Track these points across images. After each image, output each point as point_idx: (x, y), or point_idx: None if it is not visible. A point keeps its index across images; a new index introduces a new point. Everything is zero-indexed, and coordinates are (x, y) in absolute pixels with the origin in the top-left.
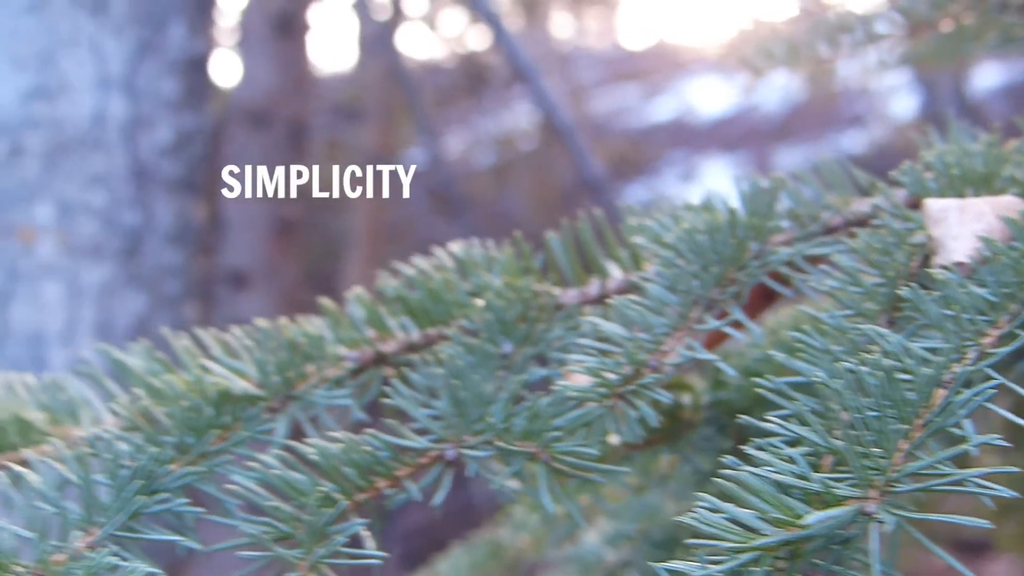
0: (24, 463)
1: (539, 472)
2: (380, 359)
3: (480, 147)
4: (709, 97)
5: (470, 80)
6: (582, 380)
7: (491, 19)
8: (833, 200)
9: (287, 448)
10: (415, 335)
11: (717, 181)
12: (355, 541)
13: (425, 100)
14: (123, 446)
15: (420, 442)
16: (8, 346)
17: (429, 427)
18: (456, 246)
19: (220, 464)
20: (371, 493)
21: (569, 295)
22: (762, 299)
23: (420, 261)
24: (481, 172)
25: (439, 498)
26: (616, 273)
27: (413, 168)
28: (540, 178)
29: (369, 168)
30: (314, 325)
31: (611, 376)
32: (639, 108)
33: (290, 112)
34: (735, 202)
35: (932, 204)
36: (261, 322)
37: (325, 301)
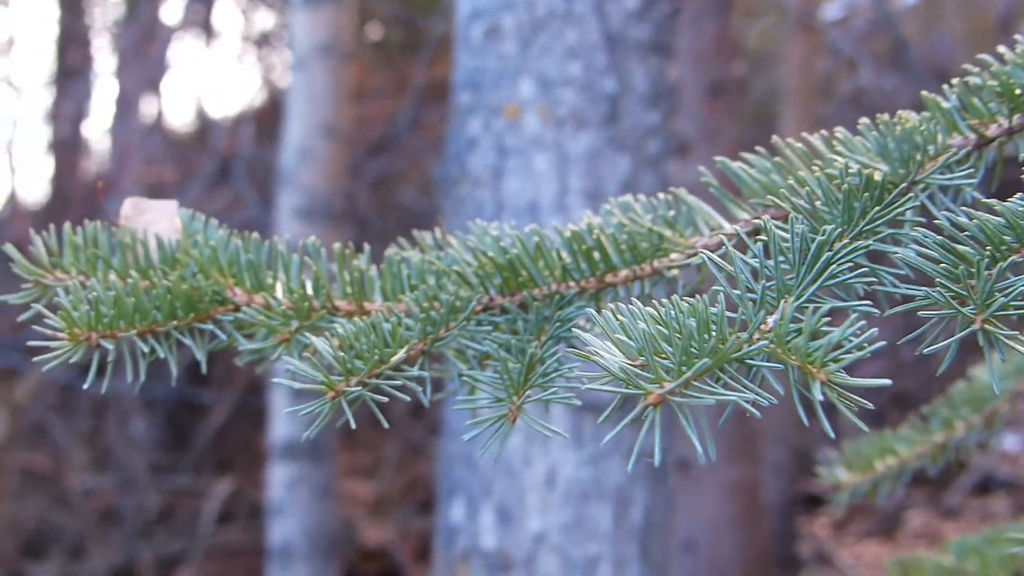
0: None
1: None
2: (984, 142)
3: None
4: None
5: None
6: None
7: None
8: None
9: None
10: (1016, 119)
11: None
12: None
13: None
14: (786, 233)
15: None
16: (503, 218)
17: None
18: None
19: (879, 239)
20: None
21: None
22: None
23: (1005, 49)
24: (906, 12)
25: None
26: None
27: (838, 18)
28: (969, 11)
29: (795, 21)
30: (921, 118)
31: None
32: None
33: None
34: None
35: None
36: (881, 117)
37: (925, 93)
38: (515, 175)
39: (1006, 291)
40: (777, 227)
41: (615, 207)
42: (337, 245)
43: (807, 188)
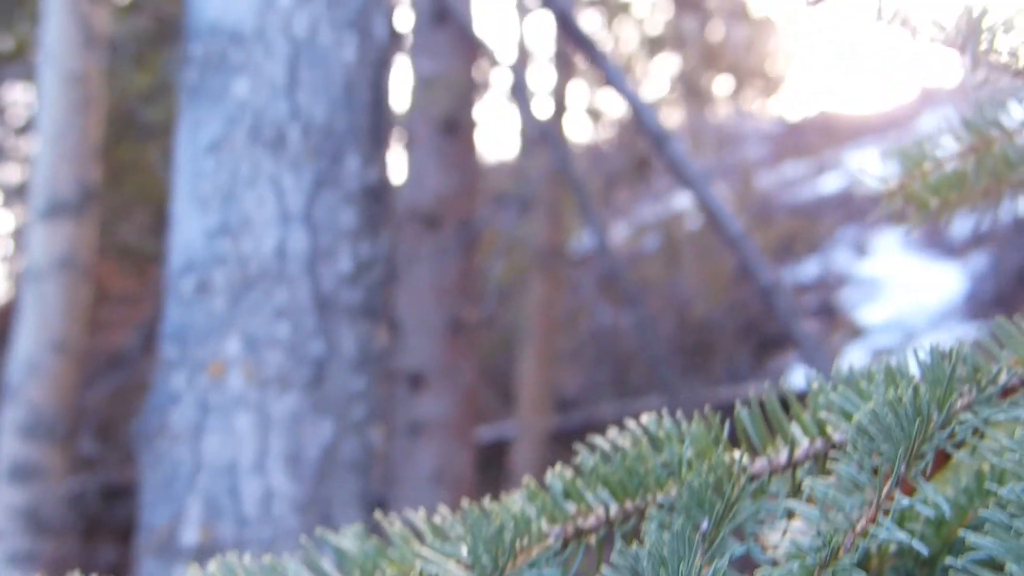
0: None
1: None
2: (581, 534)
3: (648, 230)
4: (875, 168)
5: (635, 165)
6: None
7: (652, 132)
8: (1010, 360)
9: None
10: (613, 510)
11: (889, 254)
12: None
13: (591, 187)
14: None
15: None
16: (202, 478)
17: None
18: (647, 418)
19: None
20: None
21: (759, 465)
22: (940, 462)
23: (615, 434)
24: (650, 256)
25: None
26: (803, 440)
27: (582, 257)
28: (707, 259)
29: (539, 260)
30: (518, 504)
31: (809, 560)
32: (806, 181)
33: (460, 211)
34: (915, 370)
35: None
36: (469, 505)
37: (528, 480)
38: (216, 434)
39: None
40: None
41: None
42: None
43: None
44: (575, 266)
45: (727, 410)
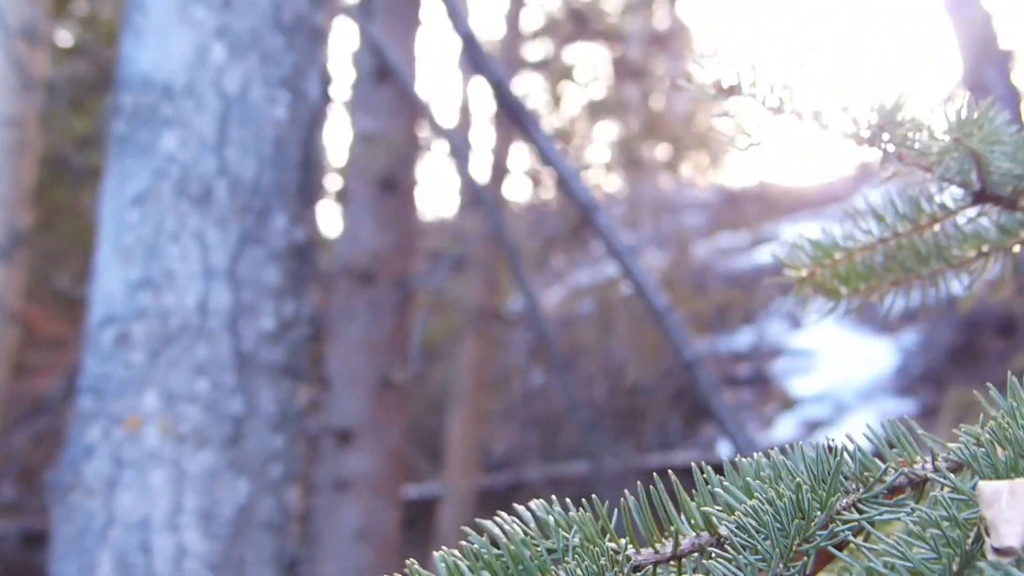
0: None
1: None
2: None
3: (583, 295)
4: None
5: (572, 229)
6: None
7: (581, 202)
8: (898, 460)
9: None
10: None
11: (822, 328)
12: None
13: (529, 249)
14: None
15: None
16: (114, 533)
17: None
18: (535, 504)
19: None
20: None
21: (644, 555)
22: (823, 560)
23: (503, 519)
24: (584, 320)
25: None
26: (689, 531)
27: (515, 319)
28: (641, 326)
29: (472, 320)
30: None
31: None
32: (742, 252)
33: (395, 269)
34: (800, 466)
35: (985, 487)
36: None
37: (410, 563)
38: (129, 489)
39: None
40: None
41: None
42: None
43: None
44: (508, 327)
45: (662, 475)
